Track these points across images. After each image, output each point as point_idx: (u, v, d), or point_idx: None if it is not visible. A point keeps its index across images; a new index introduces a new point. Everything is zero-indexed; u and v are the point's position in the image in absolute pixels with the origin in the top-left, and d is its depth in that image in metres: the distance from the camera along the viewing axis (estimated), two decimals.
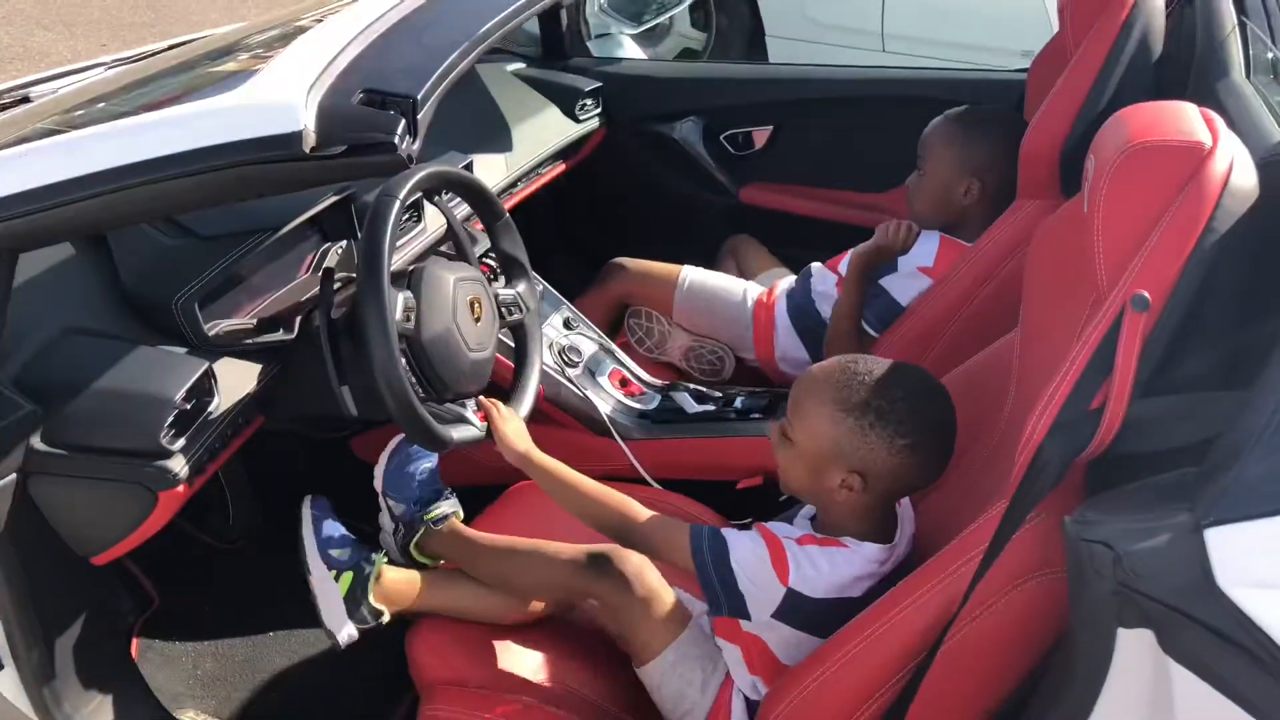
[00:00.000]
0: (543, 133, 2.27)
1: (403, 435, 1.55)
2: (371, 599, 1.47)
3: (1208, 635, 0.81)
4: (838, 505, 1.28)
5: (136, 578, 1.61)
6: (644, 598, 1.40)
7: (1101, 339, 0.98)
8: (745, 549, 1.27)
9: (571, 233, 2.67)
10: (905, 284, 1.89)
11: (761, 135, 2.47)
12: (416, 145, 1.04)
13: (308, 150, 1.00)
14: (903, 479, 1.26)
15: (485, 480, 1.75)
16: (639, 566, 1.42)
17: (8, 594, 1.18)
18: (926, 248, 1.90)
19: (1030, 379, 1.34)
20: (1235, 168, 1.00)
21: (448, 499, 1.58)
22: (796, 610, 1.26)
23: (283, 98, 1.01)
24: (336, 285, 1.49)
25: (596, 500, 1.37)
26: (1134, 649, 0.89)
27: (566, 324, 1.92)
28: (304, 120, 1.00)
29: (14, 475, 1.18)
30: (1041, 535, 1.04)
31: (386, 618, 1.48)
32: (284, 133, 0.99)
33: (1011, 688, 1.11)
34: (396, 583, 1.50)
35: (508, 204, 2.00)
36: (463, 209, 1.81)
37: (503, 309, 1.56)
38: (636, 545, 1.36)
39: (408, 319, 1.34)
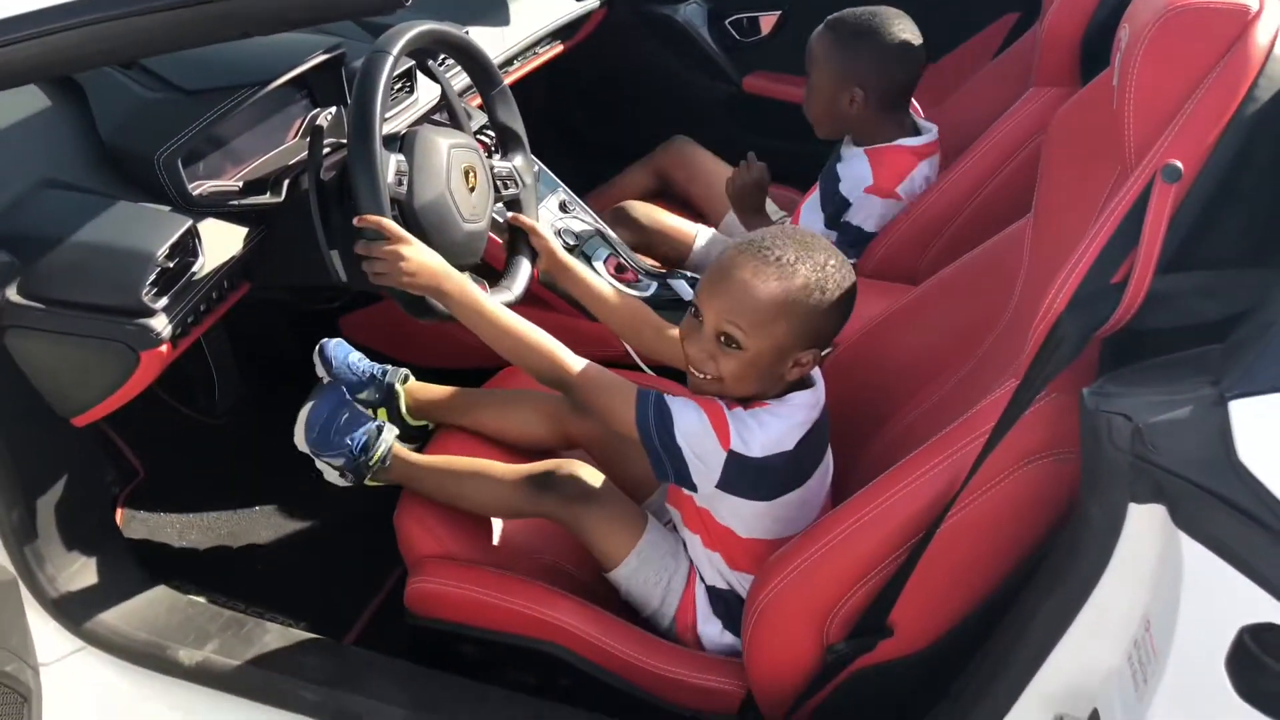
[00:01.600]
0: (541, 9, 2.18)
1: (310, 405, 1.50)
2: (410, 420, 1.60)
3: (1224, 509, 0.79)
4: (757, 381, 1.26)
5: (120, 448, 1.59)
6: (594, 510, 1.40)
7: (1128, 210, 0.94)
8: (689, 419, 1.24)
9: (566, 118, 2.59)
10: (863, 210, 1.85)
11: (768, 21, 2.39)
12: None
13: None
14: (820, 337, 1.25)
15: (472, 363, 1.72)
16: (585, 476, 1.41)
17: None
18: (857, 168, 1.87)
19: (1042, 262, 1.31)
20: None
21: (379, 429, 1.51)
22: (739, 473, 1.24)
23: None
24: (326, 150, 1.44)
25: (533, 346, 1.30)
26: (1144, 525, 0.87)
27: (562, 206, 1.87)
28: None
29: None
30: (1051, 416, 1.02)
31: (430, 427, 1.61)
32: None
33: (1007, 572, 1.10)
34: (424, 397, 1.61)
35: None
36: (459, 82, 1.74)
37: (498, 182, 1.50)
38: (577, 398, 1.32)
39: (399, 183, 1.29)
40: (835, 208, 1.88)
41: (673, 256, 2.02)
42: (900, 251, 1.76)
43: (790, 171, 2.18)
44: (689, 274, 1.86)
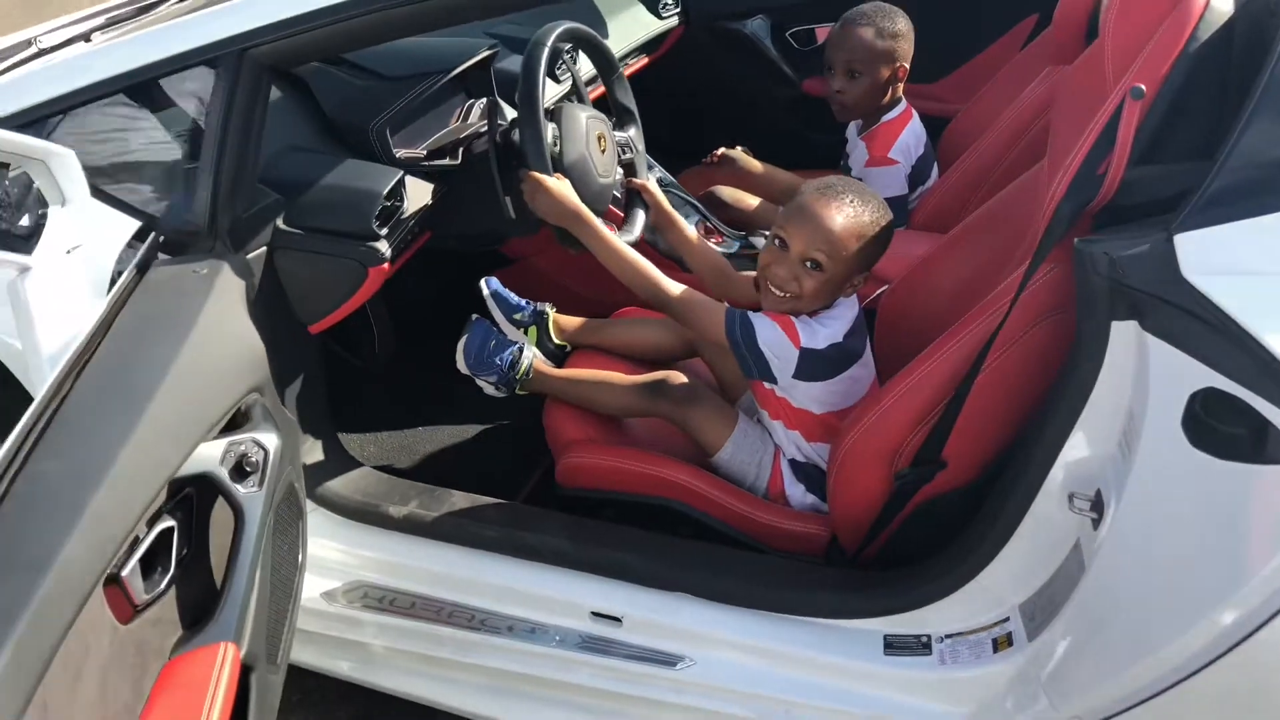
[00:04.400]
0: (631, 26, 2.59)
1: (465, 337, 1.89)
2: (554, 338, 1.94)
3: (1176, 311, 1.13)
4: (818, 297, 1.60)
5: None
6: (696, 408, 1.75)
7: (1107, 121, 1.30)
8: (767, 328, 1.59)
9: (651, 122, 2.99)
10: (872, 181, 2.21)
11: (823, 32, 2.78)
12: None
13: None
14: (864, 265, 1.60)
15: (588, 312, 2.11)
16: (688, 384, 1.76)
17: (264, 342, 1.53)
18: (859, 152, 2.29)
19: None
20: None
21: (520, 350, 1.89)
22: (809, 364, 1.59)
23: None
24: (501, 124, 1.84)
25: (643, 271, 1.65)
26: (1122, 338, 1.21)
27: (659, 182, 2.25)
28: None
29: (264, 248, 1.54)
30: (1055, 284, 1.35)
31: (569, 348, 1.97)
32: None
33: (1030, 411, 1.44)
34: (566, 324, 1.99)
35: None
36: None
37: (619, 148, 1.89)
38: (675, 314, 1.67)
39: (555, 144, 1.68)
40: None
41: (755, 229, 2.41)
42: (945, 206, 2.13)
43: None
44: (768, 233, 2.23)
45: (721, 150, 2.49)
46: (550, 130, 1.67)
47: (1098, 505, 1.29)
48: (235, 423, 1.21)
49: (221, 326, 1.24)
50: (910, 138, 2.25)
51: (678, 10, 2.73)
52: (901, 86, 2.25)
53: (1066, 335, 1.36)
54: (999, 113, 2.26)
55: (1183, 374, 1.14)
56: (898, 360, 1.73)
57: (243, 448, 1.14)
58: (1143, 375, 1.21)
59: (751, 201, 2.45)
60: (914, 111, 2.31)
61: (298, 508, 1.43)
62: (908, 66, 2.21)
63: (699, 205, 2.28)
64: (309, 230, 1.56)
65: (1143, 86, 1.25)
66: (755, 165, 2.53)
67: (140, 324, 1.17)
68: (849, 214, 1.55)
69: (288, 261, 1.56)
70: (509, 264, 2.33)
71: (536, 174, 1.63)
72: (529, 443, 1.94)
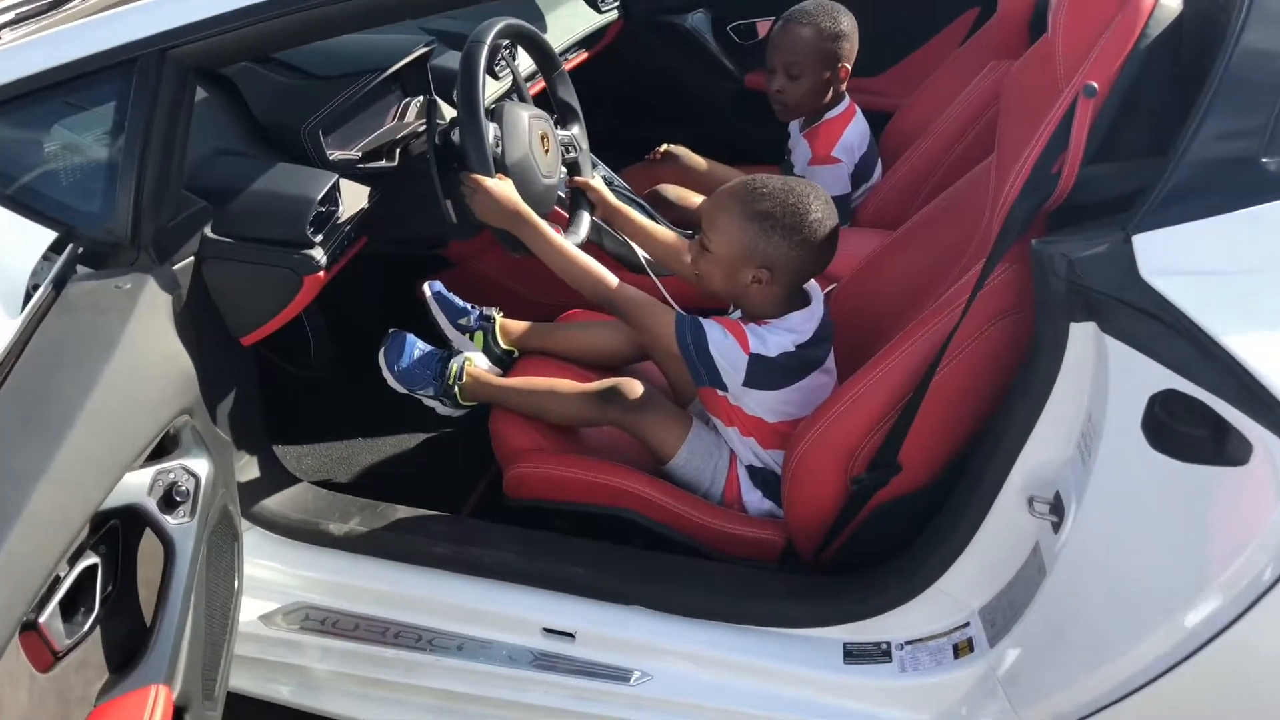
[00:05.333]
0: (570, 21, 2.54)
1: (381, 351, 1.82)
2: (502, 343, 1.87)
3: (1134, 313, 1.12)
4: (754, 299, 1.58)
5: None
6: (649, 415, 1.70)
7: (1060, 119, 1.29)
8: (717, 333, 1.56)
9: (592, 117, 2.94)
10: (824, 181, 2.13)
11: (764, 25, 2.75)
12: None
13: None
14: (802, 269, 1.56)
15: (533, 315, 2.05)
16: (639, 391, 1.71)
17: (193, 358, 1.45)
18: (801, 149, 2.27)
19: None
20: None
21: (454, 356, 1.82)
22: (760, 371, 1.56)
23: None
24: (421, 126, 1.77)
25: (590, 272, 1.60)
26: (1081, 339, 1.20)
27: (607, 181, 2.20)
28: None
29: (192, 258, 1.46)
30: (1010, 283, 1.34)
31: (516, 354, 1.91)
32: None
33: (987, 412, 1.42)
34: (513, 328, 1.92)
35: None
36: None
37: (562, 147, 1.84)
38: (623, 317, 1.63)
39: (496, 144, 1.62)
40: None
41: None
42: (890, 202, 2.11)
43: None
44: None
45: (665, 147, 2.46)
46: (491, 130, 1.61)
47: (1057, 508, 1.28)
48: (164, 447, 1.14)
49: (147, 345, 1.16)
50: (853, 135, 2.23)
51: (617, 4, 2.69)
52: (844, 84, 2.23)
53: (1022, 336, 1.35)
54: (942, 108, 2.26)
55: (1142, 376, 1.13)
56: (850, 358, 1.72)
57: (172, 476, 1.07)
58: (1102, 377, 1.19)
59: (695, 199, 2.41)
60: (857, 108, 2.29)
61: (232, 532, 1.36)
62: (850, 66, 2.19)
63: (645, 204, 2.23)
64: (239, 239, 1.48)
65: (1095, 84, 1.24)
66: (699, 162, 2.50)
67: (57, 346, 1.09)
68: (746, 201, 1.52)
69: (217, 272, 1.48)
70: (450, 267, 2.26)
71: (477, 176, 1.58)
72: (474, 452, 1.89)
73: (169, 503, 1.07)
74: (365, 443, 2.09)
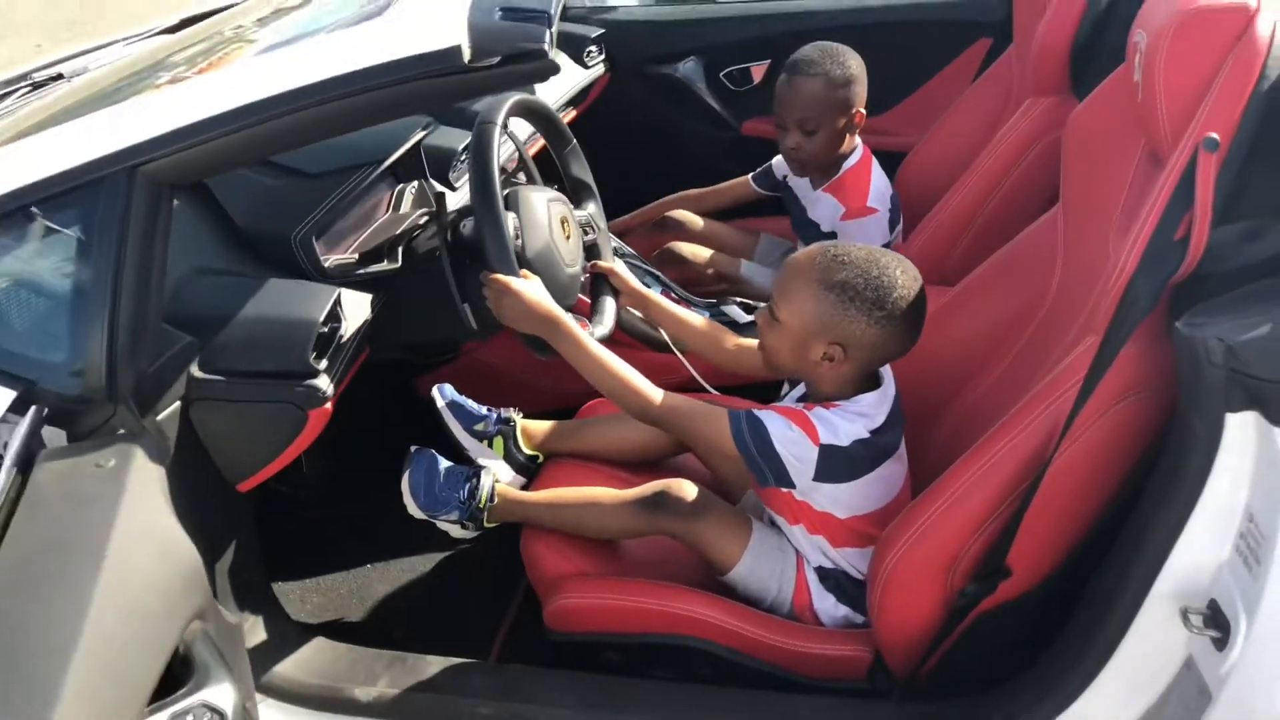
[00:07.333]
0: (555, 79, 2.35)
1: (407, 473, 1.60)
2: (524, 448, 1.68)
3: None
4: (823, 378, 1.41)
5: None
6: (706, 520, 1.51)
7: (1179, 178, 1.13)
8: (779, 425, 1.38)
9: None
10: (850, 236, 2.03)
11: (759, 70, 2.60)
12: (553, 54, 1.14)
13: (466, 63, 1.08)
14: (880, 349, 1.39)
15: (550, 405, 1.86)
16: (692, 494, 1.52)
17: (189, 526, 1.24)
18: (827, 207, 2.09)
19: (1078, 245, 1.49)
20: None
21: (481, 474, 1.62)
22: (831, 463, 1.38)
23: (436, 16, 1.09)
24: (424, 218, 1.58)
25: (629, 385, 1.43)
26: (1239, 431, 1.04)
27: (616, 251, 2.02)
28: (458, 36, 1.09)
29: (178, 403, 1.25)
30: (1132, 360, 1.18)
31: (540, 458, 1.72)
32: (444, 48, 1.07)
33: (1106, 504, 1.26)
34: (535, 430, 1.74)
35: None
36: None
37: (581, 229, 1.65)
38: (672, 429, 1.47)
39: (516, 236, 1.43)
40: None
41: (720, 287, 2.19)
42: (929, 254, 1.95)
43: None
44: (739, 299, 2.02)
45: (664, 214, 2.29)
46: (511, 220, 1.42)
47: (1217, 621, 1.11)
48: (170, 669, 0.92)
49: (143, 545, 0.94)
50: (880, 181, 2.07)
51: (603, 58, 2.52)
52: (859, 130, 2.07)
53: (1146, 418, 1.20)
54: (964, 146, 2.11)
55: None
56: (907, 439, 1.55)
57: (190, 718, 0.86)
58: (1271, 474, 1.03)
59: (706, 254, 2.25)
60: (871, 152, 2.13)
61: None
62: (864, 111, 2.03)
63: (660, 275, 2.06)
64: (232, 375, 1.28)
65: (1216, 136, 1.08)
66: (698, 222, 2.34)
67: (32, 563, 0.87)
68: (822, 272, 1.36)
69: (208, 415, 1.28)
70: (449, 360, 2.06)
71: (501, 276, 1.38)
72: (497, 571, 1.67)
73: None
74: (374, 571, 1.87)
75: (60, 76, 1.95)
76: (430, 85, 1.09)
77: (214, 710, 0.86)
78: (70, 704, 0.75)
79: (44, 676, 0.77)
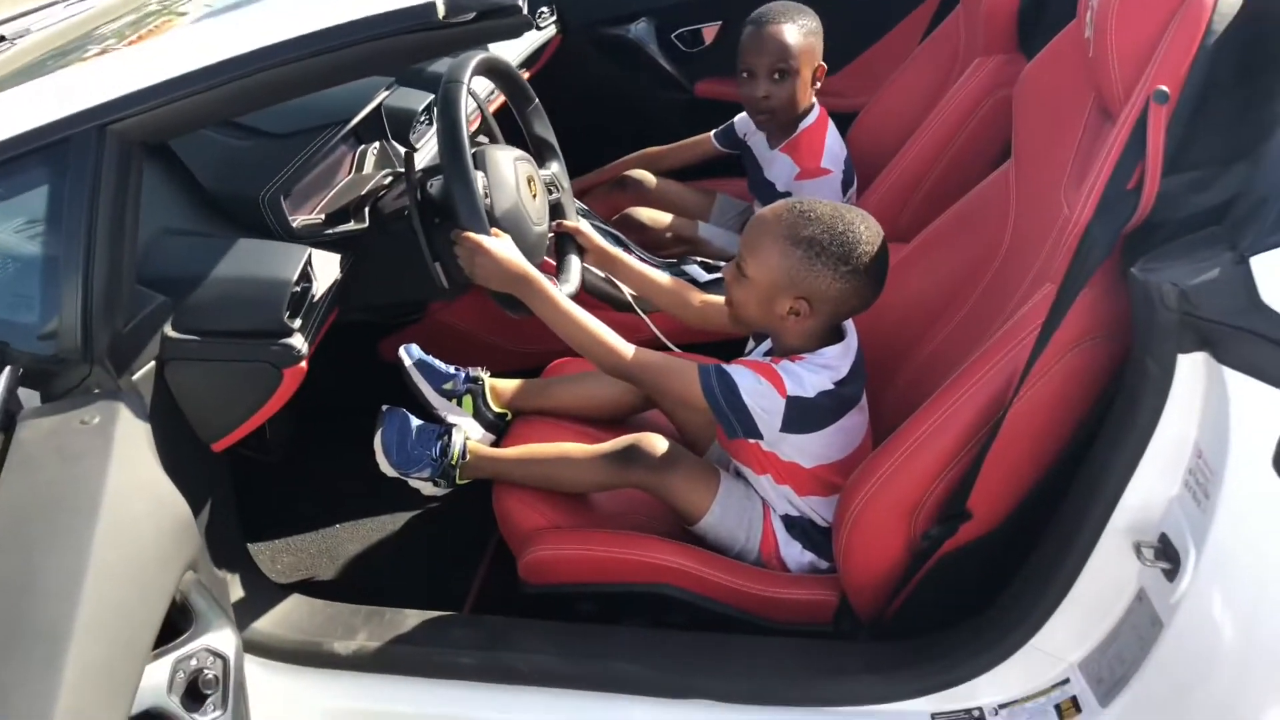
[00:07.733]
0: (508, 41, 2.35)
1: (379, 431, 1.60)
2: (494, 406, 1.70)
3: (1258, 341, 1.02)
4: (789, 331, 1.45)
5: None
6: (676, 472, 1.54)
7: (1131, 130, 1.18)
8: (747, 378, 1.42)
9: None
10: (816, 196, 2.03)
11: (710, 31, 2.61)
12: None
13: (440, 19, 1.09)
14: (845, 303, 1.42)
15: (513, 365, 1.88)
16: (663, 447, 1.55)
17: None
18: (781, 166, 2.13)
19: (1031, 199, 1.54)
20: None
21: (452, 431, 1.63)
22: (798, 414, 1.42)
23: None
24: (388, 179, 1.58)
25: (600, 339, 1.45)
26: (1190, 370, 1.09)
27: (579, 212, 2.03)
28: None
29: (153, 363, 1.24)
30: (1087, 307, 1.23)
31: (509, 416, 1.74)
32: (419, 4, 1.08)
33: (1063, 446, 1.31)
34: (504, 388, 1.75)
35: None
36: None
37: (546, 188, 1.66)
38: (642, 383, 1.49)
39: (485, 195, 1.44)
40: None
41: (680, 249, 2.22)
42: (882, 212, 1.98)
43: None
44: (699, 258, 2.05)
45: (622, 173, 2.31)
46: (480, 179, 1.43)
47: (1167, 553, 1.17)
48: (170, 618, 0.93)
49: (136, 497, 0.95)
50: (834, 142, 2.11)
51: (554, 19, 2.51)
52: (819, 86, 2.10)
53: (1101, 362, 1.25)
54: (914, 106, 2.15)
55: (1272, 409, 1.02)
56: (869, 375, 1.60)
57: (194, 662, 0.87)
58: (1219, 412, 1.09)
59: (666, 220, 2.27)
60: (827, 113, 2.16)
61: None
62: (825, 66, 2.06)
63: (621, 236, 2.08)
64: (205, 334, 1.28)
65: (1166, 89, 1.13)
66: (652, 181, 2.36)
67: (24, 517, 0.87)
68: (790, 226, 1.39)
69: (183, 374, 1.28)
70: (413, 321, 2.06)
71: (473, 234, 1.39)
72: (467, 526, 1.69)
73: (194, 694, 0.87)
74: (344, 530, 1.87)
75: (2, 39, 1.90)
76: (404, 41, 1.09)
77: (216, 654, 0.88)
78: (78, 664, 0.75)
79: (54, 620, 0.78)
